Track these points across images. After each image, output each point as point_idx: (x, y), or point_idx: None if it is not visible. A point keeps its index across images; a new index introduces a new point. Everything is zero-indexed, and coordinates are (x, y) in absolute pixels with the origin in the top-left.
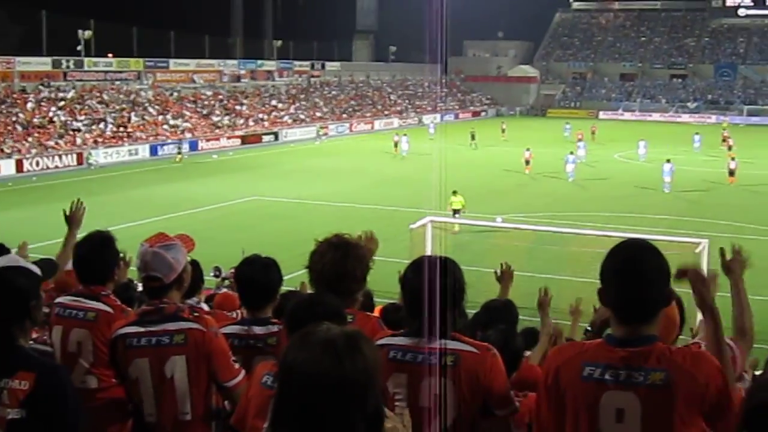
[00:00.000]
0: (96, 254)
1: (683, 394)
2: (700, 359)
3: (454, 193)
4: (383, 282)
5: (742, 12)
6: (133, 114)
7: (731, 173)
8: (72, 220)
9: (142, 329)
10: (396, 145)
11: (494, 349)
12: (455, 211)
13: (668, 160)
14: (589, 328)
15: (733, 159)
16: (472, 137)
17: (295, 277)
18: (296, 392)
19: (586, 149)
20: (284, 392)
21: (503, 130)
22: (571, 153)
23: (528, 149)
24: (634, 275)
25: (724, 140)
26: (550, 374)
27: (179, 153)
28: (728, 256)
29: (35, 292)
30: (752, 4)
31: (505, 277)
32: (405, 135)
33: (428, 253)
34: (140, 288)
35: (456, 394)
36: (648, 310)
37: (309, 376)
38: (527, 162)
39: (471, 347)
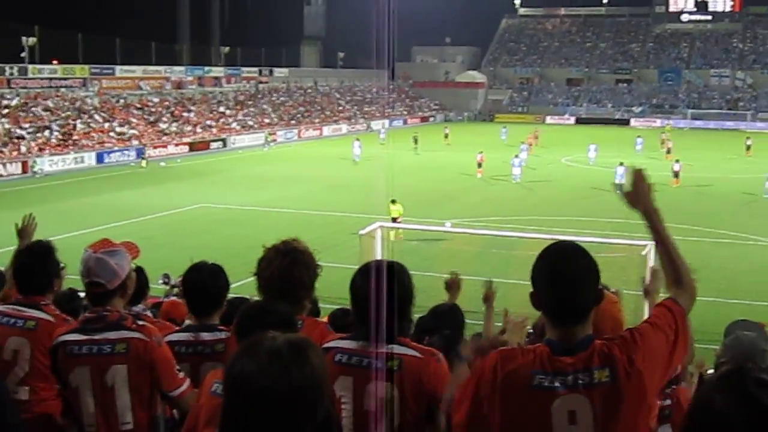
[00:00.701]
0: (36, 264)
1: (630, 386)
2: (635, 344)
3: (393, 201)
4: (332, 289)
5: (684, 17)
6: (78, 121)
7: (676, 175)
8: (23, 233)
9: (83, 337)
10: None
11: (439, 354)
12: (393, 220)
13: (621, 163)
14: (531, 330)
15: (677, 161)
16: (415, 141)
17: (245, 284)
18: (244, 403)
19: (528, 153)
20: (232, 403)
21: (446, 135)
22: (516, 156)
23: (481, 152)
24: (564, 277)
25: (662, 143)
26: (500, 377)
27: (144, 158)
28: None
29: None
30: (695, 9)
31: (452, 287)
32: (357, 140)
33: (378, 258)
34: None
35: (400, 398)
36: (580, 311)
37: (256, 387)
38: (479, 165)
39: (415, 352)
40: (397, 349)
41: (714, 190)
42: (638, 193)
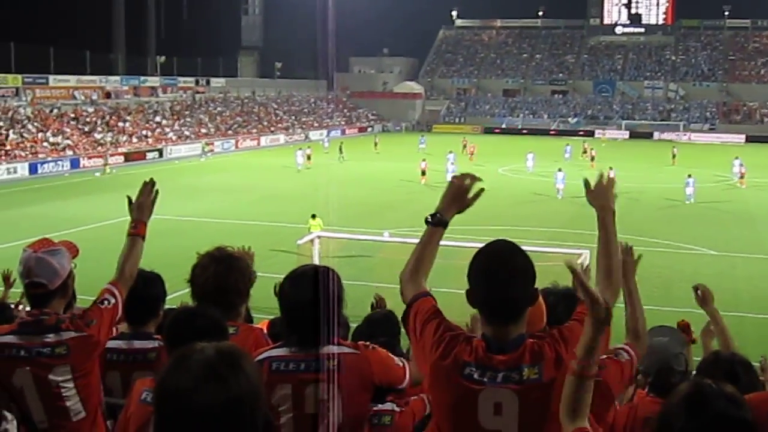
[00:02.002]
0: None
1: (558, 382)
2: (563, 341)
3: (313, 216)
4: (269, 299)
5: (618, 30)
6: (11, 131)
7: None
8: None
9: (20, 341)
10: (309, 158)
11: (371, 344)
12: None
13: (560, 169)
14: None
15: (611, 168)
16: (340, 151)
17: (181, 295)
18: (180, 420)
19: (456, 161)
20: (166, 421)
21: (375, 144)
22: (452, 163)
23: (424, 160)
24: (501, 274)
25: (585, 152)
26: (439, 355)
27: (106, 164)
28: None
29: None
30: (628, 22)
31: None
32: (300, 149)
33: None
34: (20, 307)
35: (341, 396)
36: (515, 309)
37: (193, 403)
38: (423, 173)
39: (351, 349)
40: (333, 349)
41: (647, 198)
42: (598, 191)
